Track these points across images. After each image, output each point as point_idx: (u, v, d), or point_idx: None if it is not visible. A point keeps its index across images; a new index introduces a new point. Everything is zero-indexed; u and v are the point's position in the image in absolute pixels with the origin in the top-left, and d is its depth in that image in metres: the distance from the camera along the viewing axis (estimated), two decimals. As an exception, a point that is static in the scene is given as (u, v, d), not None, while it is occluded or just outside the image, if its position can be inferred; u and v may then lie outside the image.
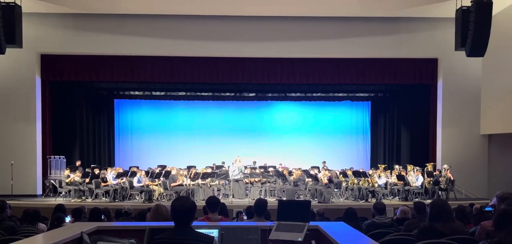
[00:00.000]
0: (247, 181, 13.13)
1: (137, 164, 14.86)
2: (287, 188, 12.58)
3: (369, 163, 16.85)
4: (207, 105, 17.07)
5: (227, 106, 17.17)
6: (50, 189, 13.48)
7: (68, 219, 6.59)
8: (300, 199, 11.34)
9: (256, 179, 13.11)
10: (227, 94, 16.67)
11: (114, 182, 12.73)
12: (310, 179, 12.87)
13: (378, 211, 6.06)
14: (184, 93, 16.41)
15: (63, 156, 14.25)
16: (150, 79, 14.65)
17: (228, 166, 13.96)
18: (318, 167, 14.43)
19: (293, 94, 16.69)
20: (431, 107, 14.78)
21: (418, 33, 14.02)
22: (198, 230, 3.06)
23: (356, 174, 13.00)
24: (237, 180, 12.91)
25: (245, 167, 13.63)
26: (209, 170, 13.22)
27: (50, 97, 14.50)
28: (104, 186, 12.72)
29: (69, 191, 12.71)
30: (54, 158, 13.99)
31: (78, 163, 14.25)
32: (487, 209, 6.30)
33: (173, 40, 13.82)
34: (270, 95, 16.83)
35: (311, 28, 13.88)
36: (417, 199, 11.85)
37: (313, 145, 16.82)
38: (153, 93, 16.54)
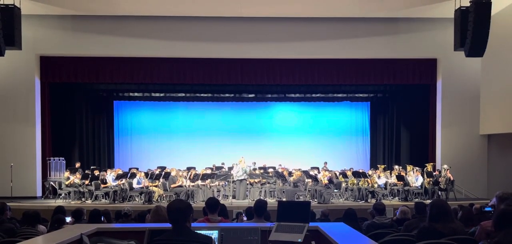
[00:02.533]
0: (248, 182, 13.13)
1: (136, 165, 14.85)
2: (287, 189, 12.57)
3: (369, 164, 16.82)
4: (207, 106, 17.04)
5: (227, 107, 17.14)
6: (50, 191, 13.47)
7: (68, 220, 6.59)
8: (300, 200, 11.33)
9: (256, 180, 13.10)
10: (227, 95, 16.67)
11: (114, 184, 12.73)
12: (309, 180, 12.86)
13: (378, 212, 6.07)
14: (183, 94, 16.39)
15: (63, 158, 14.22)
16: (150, 80, 14.65)
17: (228, 167, 13.96)
18: (317, 168, 14.42)
19: (293, 95, 16.67)
20: (430, 107, 14.77)
21: (417, 33, 14.02)
22: (198, 231, 3.07)
23: (356, 174, 12.99)
24: (241, 181, 12.91)
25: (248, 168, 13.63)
26: (209, 171, 13.23)
27: (50, 99, 14.48)
28: (104, 187, 12.71)
29: (69, 192, 12.71)
30: (54, 159, 13.98)
31: (77, 164, 14.23)
32: (486, 209, 6.31)
33: (172, 41, 13.82)
34: (269, 96, 16.80)
35: (311, 29, 13.88)
36: (417, 199, 11.86)
37: (313, 145, 16.80)
38: (153, 94, 16.50)
